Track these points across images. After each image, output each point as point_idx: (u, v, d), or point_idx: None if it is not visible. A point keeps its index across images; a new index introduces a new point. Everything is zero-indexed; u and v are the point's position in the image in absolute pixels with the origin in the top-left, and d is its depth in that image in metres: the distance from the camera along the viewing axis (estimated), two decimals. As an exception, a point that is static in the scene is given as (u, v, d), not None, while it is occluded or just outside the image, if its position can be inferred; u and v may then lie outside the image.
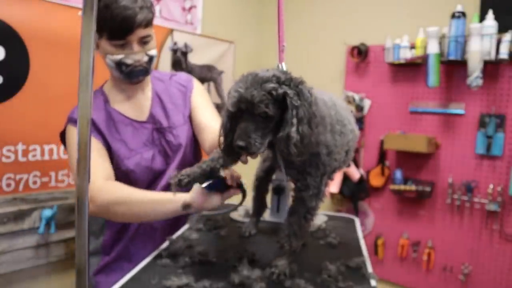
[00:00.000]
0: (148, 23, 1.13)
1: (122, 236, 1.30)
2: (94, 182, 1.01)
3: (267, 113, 0.78)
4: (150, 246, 1.22)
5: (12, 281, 1.72)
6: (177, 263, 1.00)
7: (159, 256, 1.06)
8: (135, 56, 1.13)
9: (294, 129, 0.79)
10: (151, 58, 1.18)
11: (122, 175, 1.19)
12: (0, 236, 1.64)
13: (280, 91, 0.79)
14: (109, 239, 1.30)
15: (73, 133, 1.15)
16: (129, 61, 1.13)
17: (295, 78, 0.83)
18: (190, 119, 1.33)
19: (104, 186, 1.07)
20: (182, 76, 1.38)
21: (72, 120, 1.16)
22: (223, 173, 1.01)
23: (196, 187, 1.02)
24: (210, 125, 1.26)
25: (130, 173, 1.20)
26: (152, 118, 1.26)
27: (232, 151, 0.87)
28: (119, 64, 1.13)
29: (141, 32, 1.12)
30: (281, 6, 1.00)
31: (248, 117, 0.80)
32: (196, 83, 1.38)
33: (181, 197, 1.04)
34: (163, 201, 1.07)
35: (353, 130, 1.05)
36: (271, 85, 0.78)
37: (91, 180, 0.65)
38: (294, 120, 0.79)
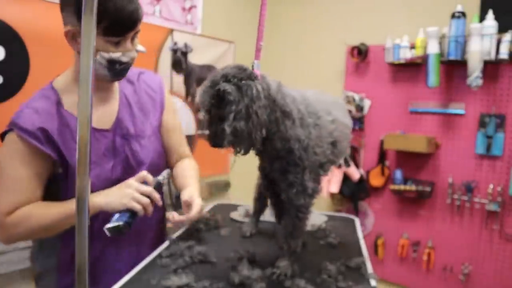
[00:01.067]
0: (141, 18, 1.03)
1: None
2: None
3: (216, 114, 0.85)
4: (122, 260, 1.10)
5: (12, 281, 1.72)
6: (177, 263, 1.00)
7: (159, 256, 1.06)
8: (130, 53, 1.03)
9: (228, 123, 0.83)
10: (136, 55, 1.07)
11: None
12: (0, 236, 1.64)
13: (221, 89, 0.83)
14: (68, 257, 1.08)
15: (12, 143, 0.98)
16: (125, 59, 1.02)
17: (244, 74, 0.85)
18: (159, 131, 1.20)
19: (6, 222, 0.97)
20: (151, 76, 1.25)
21: (17, 126, 0.98)
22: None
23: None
24: (177, 149, 1.27)
25: (92, 187, 1.01)
26: (118, 123, 1.10)
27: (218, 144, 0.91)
28: (113, 63, 1.01)
29: (137, 29, 1.02)
30: (264, 7, 1.02)
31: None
32: (165, 87, 1.26)
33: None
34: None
35: (336, 120, 1.03)
36: (217, 87, 0.83)
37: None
38: (231, 115, 0.82)
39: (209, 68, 2.61)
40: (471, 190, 2.41)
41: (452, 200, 2.50)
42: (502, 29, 2.18)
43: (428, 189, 2.52)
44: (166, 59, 2.31)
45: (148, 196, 0.99)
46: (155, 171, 1.10)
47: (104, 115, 1.10)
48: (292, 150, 0.92)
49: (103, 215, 0.99)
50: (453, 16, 2.28)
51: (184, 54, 2.42)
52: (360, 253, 1.15)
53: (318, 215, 1.50)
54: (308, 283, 0.91)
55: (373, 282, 0.96)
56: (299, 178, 0.94)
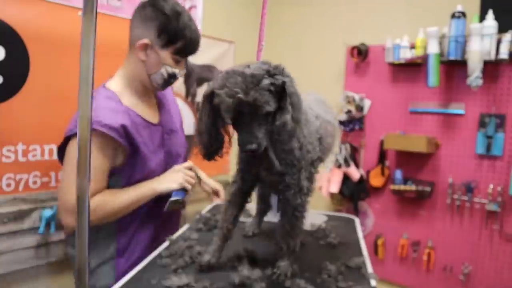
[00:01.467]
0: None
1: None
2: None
3: (269, 111, 0.78)
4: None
5: (12, 281, 1.72)
6: (177, 263, 1.00)
7: (159, 256, 1.06)
8: (182, 71, 1.26)
9: (289, 116, 0.80)
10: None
11: (144, 177, 1.24)
12: (0, 236, 1.64)
13: (278, 82, 0.79)
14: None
15: (95, 139, 1.10)
16: (179, 74, 1.25)
17: (279, 69, 0.83)
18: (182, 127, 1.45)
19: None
20: None
21: (100, 124, 1.12)
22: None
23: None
24: None
25: (152, 174, 1.25)
26: (162, 120, 1.33)
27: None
28: (170, 76, 1.23)
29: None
30: (265, 10, 1.05)
31: (248, 119, 0.78)
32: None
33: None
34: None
35: (319, 116, 1.04)
36: (267, 82, 0.77)
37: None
38: (290, 107, 0.80)
39: (209, 68, 2.61)
40: (471, 190, 2.41)
41: (452, 200, 2.50)
42: (502, 29, 2.18)
43: (428, 189, 2.51)
44: (166, 59, 2.31)
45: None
46: (183, 159, 1.37)
47: (154, 114, 1.32)
48: (292, 150, 0.92)
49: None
50: (453, 16, 2.28)
51: (184, 54, 2.42)
52: (360, 253, 1.15)
53: (318, 215, 1.50)
54: (308, 283, 0.91)
55: (373, 282, 0.96)
56: (296, 179, 0.94)
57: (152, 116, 1.30)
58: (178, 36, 1.17)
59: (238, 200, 1.03)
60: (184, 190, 1.26)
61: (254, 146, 0.78)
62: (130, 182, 1.21)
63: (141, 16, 1.20)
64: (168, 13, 1.16)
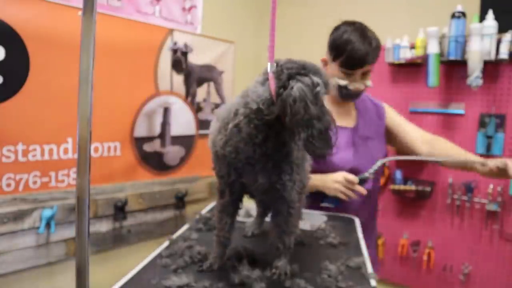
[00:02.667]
0: (373, 62, 1.41)
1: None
2: None
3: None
4: None
5: (12, 281, 1.72)
6: (177, 263, 1.00)
7: (159, 256, 1.06)
8: (356, 84, 1.41)
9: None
10: (365, 87, 1.45)
11: (326, 169, 1.43)
12: (0, 236, 1.64)
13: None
14: None
15: None
16: (351, 87, 1.41)
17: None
18: (389, 135, 1.61)
19: None
20: (376, 99, 1.68)
21: None
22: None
23: None
24: (417, 135, 1.59)
25: (336, 168, 1.43)
26: (356, 127, 1.53)
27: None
28: (340, 88, 1.42)
29: (366, 68, 1.40)
30: (275, 11, 1.03)
31: None
32: (386, 105, 1.68)
33: None
34: None
35: None
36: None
37: None
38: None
39: (209, 68, 2.61)
40: (471, 190, 2.41)
41: (452, 200, 2.50)
42: (502, 29, 2.18)
43: (428, 189, 2.51)
44: (166, 59, 2.31)
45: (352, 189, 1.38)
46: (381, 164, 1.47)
47: (348, 120, 1.54)
48: (292, 150, 0.92)
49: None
50: (453, 16, 2.28)
51: (184, 54, 2.42)
52: (360, 253, 1.15)
53: (318, 215, 1.50)
54: (308, 283, 0.91)
55: (373, 282, 0.96)
56: (290, 175, 0.94)
57: (344, 120, 1.52)
58: (341, 50, 1.38)
59: (230, 209, 1.02)
60: (338, 199, 1.41)
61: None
62: (313, 171, 1.34)
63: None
64: (337, 30, 1.43)
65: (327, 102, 1.46)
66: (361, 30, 1.42)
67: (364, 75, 1.43)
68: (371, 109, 1.61)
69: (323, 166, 1.42)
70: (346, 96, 1.46)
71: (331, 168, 1.44)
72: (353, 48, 1.36)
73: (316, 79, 0.81)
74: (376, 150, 1.54)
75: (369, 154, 1.51)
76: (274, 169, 0.92)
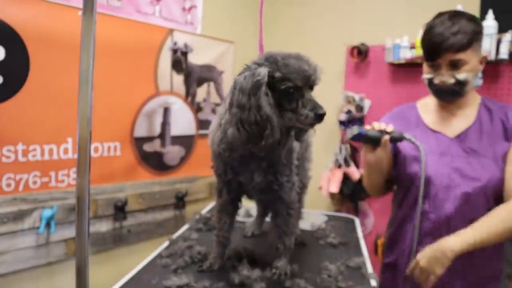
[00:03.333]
0: (461, 48, 1.16)
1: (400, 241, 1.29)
2: None
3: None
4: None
5: (12, 281, 1.72)
6: (177, 263, 1.00)
7: (159, 256, 1.06)
8: (442, 77, 1.21)
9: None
10: (459, 82, 1.20)
11: (409, 176, 1.27)
12: (0, 236, 1.64)
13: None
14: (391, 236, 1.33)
15: None
16: (436, 81, 1.24)
17: None
18: (502, 159, 1.23)
19: None
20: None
21: None
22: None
23: None
24: (508, 183, 1.19)
25: (417, 175, 1.24)
26: (462, 137, 1.27)
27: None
28: (428, 82, 1.27)
29: (451, 56, 1.17)
30: (261, 9, 1.05)
31: (308, 91, 0.85)
32: None
33: None
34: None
35: None
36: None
37: None
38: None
39: (209, 68, 2.61)
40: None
41: (452, 200, 2.50)
42: (502, 29, 2.18)
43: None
44: (166, 59, 2.31)
45: None
46: (490, 192, 1.19)
47: (450, 126, 1.31)
48: (292, 150, 0.93)
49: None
50: (453, 16, 2.28)
51: (184, 54, 2.41)
52: (360, 253, 1.15)
53: (318, 215, 1.50)
54: (308, 283, 0.91)
55: (373, 282, 0.97)
56: (288, 176, 0.94)
57: (446, 127, 1.31)
58: (422, 40, 1.25)
59: (229, 209, 1.02)
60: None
61: (324, 110, 0.83)
62: (400, 173, 1.29)
63: (475, 37, 1.24)
64: (426, 25, 1.27)
65: (435, 105, 1.35)
66: (449, 15, 1.23)
67: (454, 67, 1.19)
68: (497, 124, 1.28)
69: (404, 169, 1.28)
70: (436, 93, 1.27)
71: (408, 175, 1.28)
72: (431, 33, 1.21)
73: (262, 70, 0.80)
74: (483, 171, 1.21)
75: (467, 170, 1.22)
76: (269, 168, 0.92)
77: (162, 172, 2.34)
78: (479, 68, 1.27)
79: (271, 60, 0.83)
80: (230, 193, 1.00)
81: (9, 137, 1.65)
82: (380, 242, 2.72)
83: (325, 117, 0.84)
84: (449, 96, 1.26)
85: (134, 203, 2.15)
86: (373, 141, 1.22)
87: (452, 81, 1.20)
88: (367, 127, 1.24)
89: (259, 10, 1.03)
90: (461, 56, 1.16)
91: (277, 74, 0.80)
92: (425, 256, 1.05)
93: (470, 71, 1.19)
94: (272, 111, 0.79)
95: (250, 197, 1.07)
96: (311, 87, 0.86)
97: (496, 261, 1.25)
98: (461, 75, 1.19)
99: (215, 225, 1.03)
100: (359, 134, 1.19)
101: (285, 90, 0.81)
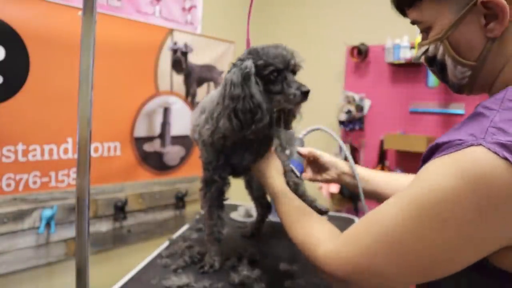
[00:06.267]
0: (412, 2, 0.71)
1: None
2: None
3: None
4: None
5: (12, 281, 1.72)
6: (177, 263, 1.00)
7: (159, 256, 1.06)
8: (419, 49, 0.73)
9: None
10: (428, 58, 0.70)
11: None
12: (0, 236, 1.64)
13: None
14: None
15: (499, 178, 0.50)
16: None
17: None
18: None
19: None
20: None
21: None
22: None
23: None
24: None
25: None
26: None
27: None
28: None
29: (410, 14, 0.74)
30: (250, 8, 1.09)
31: (290, 74, 0.91)
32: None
33: None
34: None
35: None
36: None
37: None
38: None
39: (209, 68, 2.61)
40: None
41: (452, 200, 2.50)
42: (502, 29, 2.18)
43: (428, 189, 2.51)
44: (166, 59, 2.31)
45: None
46: None
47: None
48: (272, 136, 1.02)
49: None
50: (453, 16, 2.28)
51: (184, 54, 2.41)
52: (360, 253, 1.14)
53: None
54: (308, 283, 0.91)
55: (373, 282, 0.96)
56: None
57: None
58: None
59: (219, 202, 1.06)
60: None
61: (308, 88, 0.89)
62: None
63: None
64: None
65: None
66: None
67: (422, 32, 0.72)
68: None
69: None
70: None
71: None
72: None
73: (248, 63, 0.88)
74: None
75: None
76: (259, 148, 0.99)
77: (162, 172, 2.34)
78: (476, 40, 0.62)
79: (253, 53, 0.90)
80: (223, 179, 1.04)
81: (9, 137, 1.65)
82: (380, 242, 2.73)
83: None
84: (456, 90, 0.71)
85: (134, 203, 2.15)
86: None
87: (418, 54, 0.72)
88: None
89: (248, 7, 1.08)
90: (413, 14, 0.72)
91: (260, 62, 0.88)
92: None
93: (436, 40, 0.66)
94: (262, 98, 0.87)
95: (237, 175, 1.14)
96: (293, 72, 0.93)
97: None
98: (420, 50, 0.71)
99: (207, 223, 1.04)
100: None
101: (269, 74, 0.88)
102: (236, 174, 1.11)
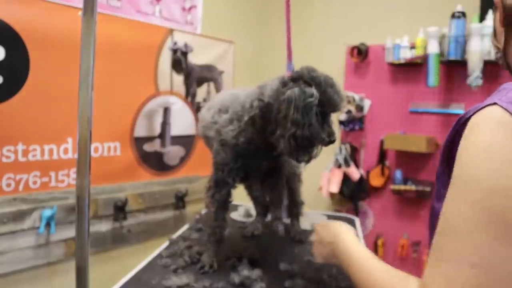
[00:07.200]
0: None
1: None
2: None
3: None
4: None
5: (12, 281, 1.72)
6: (177, 263, 1.00)
7: (159, 256, 1.06)
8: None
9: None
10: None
11: None
12: (0, 236, 1.64)
13: None
14: None
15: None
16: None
17: None
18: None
19: None
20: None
21: None
22: None
23: None
24: None
25: None
26: None
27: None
28: None
29: None
30: (288, 10, 1.07)
31: (330, 116, 0.93)
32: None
33: None
34: None
35: None
36: None
37: None
38: None
39: (209, 68, 2.61)
40: (471, 190, 2.41)
41: (452, 200, 2.50)
42: (502, 29, 2.18)
43: (428, 189, 2.51)
44: (166, 59, 2.31)
45: None
46: None
47: None
48: None
49: None
50: (453, 16, 2.28)
51: (184, 54, 2.41)
52: (360, 253, 1.14)
53: (318, 215, 1.50)
54: (308, 283, 0.91)
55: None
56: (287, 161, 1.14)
57: None
58: None
59: (226, 203, 1.06)
60: None
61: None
62: None
63: None
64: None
65: None
66: None
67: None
68: None
69: None
70: None
71: None
72: None
73: (314, 91, 0.87)
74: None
75: None
76: (277, 156, 1.00)
77: (162, 172, 2.34)
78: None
79: (317, 81, 0.90)
80: (234, 181, 1.04)
81: (9, 137, 1.65)
82: (380, 242, 2.73)
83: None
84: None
85: (134, 203, 2.15)
86: None
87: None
88: None
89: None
90: None
91: (323, 98, 0.89)
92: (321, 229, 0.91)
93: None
94: (320, 129, 0.89)
95: (247, 180, 1.14)
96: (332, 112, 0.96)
97: None
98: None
99: (211, 224, 1.03)
100: None
101: (328, 114, 0.91)
102: (246, 179, 1.10)
